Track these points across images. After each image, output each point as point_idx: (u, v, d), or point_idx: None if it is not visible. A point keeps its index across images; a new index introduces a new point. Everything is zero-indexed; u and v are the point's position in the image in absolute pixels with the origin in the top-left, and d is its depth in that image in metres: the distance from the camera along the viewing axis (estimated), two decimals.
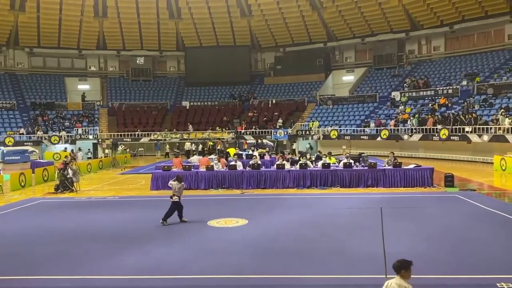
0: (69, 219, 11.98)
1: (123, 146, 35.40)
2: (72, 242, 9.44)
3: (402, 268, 4.61)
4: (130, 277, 7.23)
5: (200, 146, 35.54)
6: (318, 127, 35.25)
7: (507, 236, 9.29)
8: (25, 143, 34.42)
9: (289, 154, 23.07)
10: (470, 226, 10.29)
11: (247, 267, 7.60)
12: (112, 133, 37.92)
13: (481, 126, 25.66)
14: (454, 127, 27.11)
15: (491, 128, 25.15)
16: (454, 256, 7.91)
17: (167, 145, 37.29)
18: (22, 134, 35.35)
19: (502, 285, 6.45)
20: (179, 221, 10.97)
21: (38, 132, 36.05)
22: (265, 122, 38.64)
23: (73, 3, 40.46)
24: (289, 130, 36.39)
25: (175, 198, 10.96)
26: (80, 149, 35.43)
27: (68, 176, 17.07)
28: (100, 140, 37.31)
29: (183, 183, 11.35)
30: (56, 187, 17.12)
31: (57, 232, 10.38)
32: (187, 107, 43.17)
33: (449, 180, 16.10)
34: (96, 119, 40.42)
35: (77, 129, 37.54)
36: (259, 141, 32.87)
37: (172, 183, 11.21)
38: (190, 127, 38.71)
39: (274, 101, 42.35)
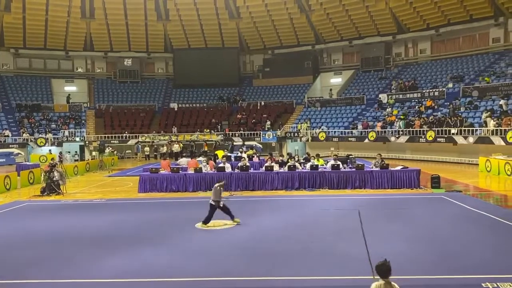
0: (55, 222, 11.84)
1: (111, 148, 35.12)
2: (58, 245, 9.33)
3: (389, 273, 4.61)
4: (116, 280, 7.17)
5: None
6: (306, 129, 35.38)
7: (492, 236, 9.42)
8: (10, 146, 33.94)
9: (280, 156, 23.43)
10: (455, 226, 10.42)
11: (235, 269, 7.59)
12: (99, 135, 37.59)
13: (466, 128, 26.02)
14: (440, 128, 27.44)
15: (476, 130, 25.51)
16: (439, 257, 7.99)
17: (147, 147, 37.07)
18: (7, 136, 34.85)
19: (487, 285, 6.53)
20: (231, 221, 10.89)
21: (24, 134, 35.58)
22: (254, 124, 38.68)
23: (59, 4, 40.07)
24: (278, 132, 36.47)
25: (218, 203, 10.76)
26: (69, 152, 35.07)
27: (54, 178, 16.88)
28: (87, 142, 36.96)
29: (216, 185, 10.98)
30: (42, 189, 16.91)
31: (42, 235, 10.25)
32: (175, 109, 43.01)
33: (436, 182, 16.28)
34: (83, 121, 40.04)
35: (64, 131, 37.15)
36: (255, 144, 33.38)
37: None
38: (175, 129, 38.64)
39: (262, 103, 42.43)
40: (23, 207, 14.33)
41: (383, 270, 4.63)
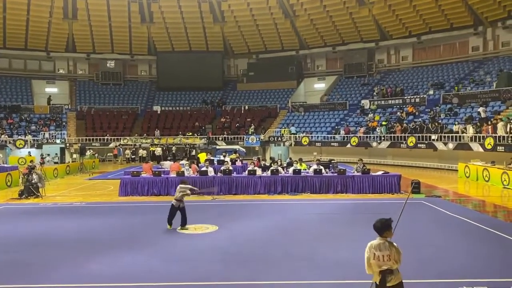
0: (32, 225, 11.59)
1: (92, 151, 34.65)
2: (35, 250, 9.13)
3: (385, 229, 4.70)
4: (94, 285, 7.06)
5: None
6: (290, 134, 35.51)
7: (470, 241, 9.58)
8: None
9: (263, 160, 23.41)
10: (434, 231, 10.57)
11: (216, 274, 7.55)
12: (80, 138, 37.09)
13: (446, 135, 26.48)
14: (421, 135, 27.87)
15: (456, 137, 25.98)
16: (417, 261, 8.08)
17: (127, 150, 36.71)
18: None
19: None
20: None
21: (3, 136, 34.85)
22: (238, 128, 38.68)
23: (41, 4, 39.49)
24: (261, 136, 36.54)
25: (179, 203, 10.85)
26: (49, 154, 34.45)
27: (33, 181, 16.57)
28: (67, 144, 36.40)
29: (180, 186, 11.12)
30: (20, 192, 16.57)
31: (19, 239, 10.02)
32: (158, 112, 42.72)
33: (416, 187, 16.48)
34: (64, 123, 39.44)
35: (44, 133, 36.52)
36: (239, 148, 33.40)
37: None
38: (157, 132, 38.38)
39: (246, 107, 42.48)
40: (0, 210, 14.02)
41: (377, 226, 4.71)
